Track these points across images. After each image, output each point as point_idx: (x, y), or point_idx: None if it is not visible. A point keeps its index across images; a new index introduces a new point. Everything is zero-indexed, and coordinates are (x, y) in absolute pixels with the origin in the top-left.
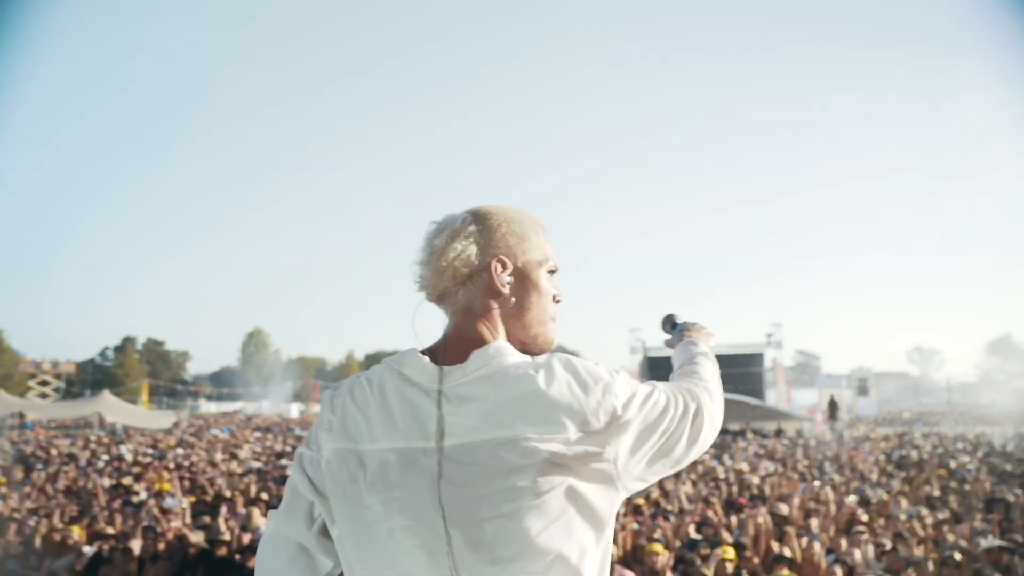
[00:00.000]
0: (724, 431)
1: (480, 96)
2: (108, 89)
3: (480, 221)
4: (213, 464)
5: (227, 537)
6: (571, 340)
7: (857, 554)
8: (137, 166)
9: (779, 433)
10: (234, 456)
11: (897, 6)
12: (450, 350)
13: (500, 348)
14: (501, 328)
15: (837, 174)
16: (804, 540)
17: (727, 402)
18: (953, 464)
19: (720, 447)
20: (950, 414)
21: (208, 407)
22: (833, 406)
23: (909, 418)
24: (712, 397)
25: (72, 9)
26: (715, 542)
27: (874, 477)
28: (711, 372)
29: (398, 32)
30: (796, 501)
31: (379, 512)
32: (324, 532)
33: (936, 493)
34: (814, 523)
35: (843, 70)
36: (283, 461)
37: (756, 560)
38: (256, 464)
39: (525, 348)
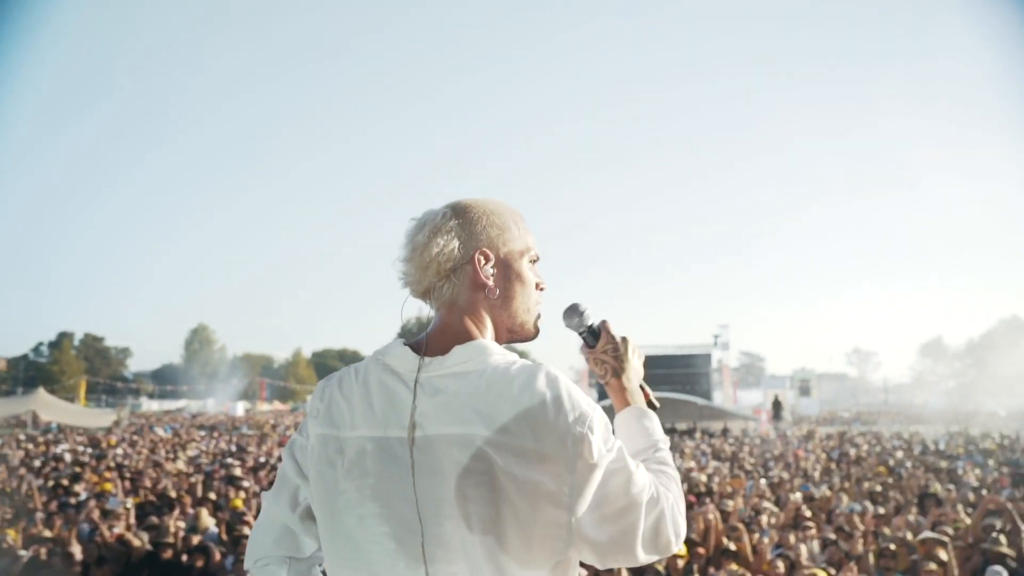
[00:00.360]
0: (672, 430)
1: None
2: (48, 84)
3: (460, 215)
4: (157, 464)
5: (171, 540)
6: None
7: (803, 549)
8: (76, 158)
9: (725, 432)
10: (177, 455)
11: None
12: (434, 343)
13: (484, 346)
14: (488, 320)
15: (778, 183)
16: (755, 536)
17: (677, 402)
18: (892, 462)
19: (672, 447)
20: (886, 414)
21: (150, 405)
22: (777, 406)
23: (848, 418)
24: (680, 506)
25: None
26: None
27: (817, 475)
28: (675, 472)
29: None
30: (741, 499)
31: (352, 498)
32: (309, 515)
33: (876, 489)
34: (764, 519)
35: (776, 73)
36: (230, 460)
37: (705, 555)
38: (203, 463)
39: (513, 337)
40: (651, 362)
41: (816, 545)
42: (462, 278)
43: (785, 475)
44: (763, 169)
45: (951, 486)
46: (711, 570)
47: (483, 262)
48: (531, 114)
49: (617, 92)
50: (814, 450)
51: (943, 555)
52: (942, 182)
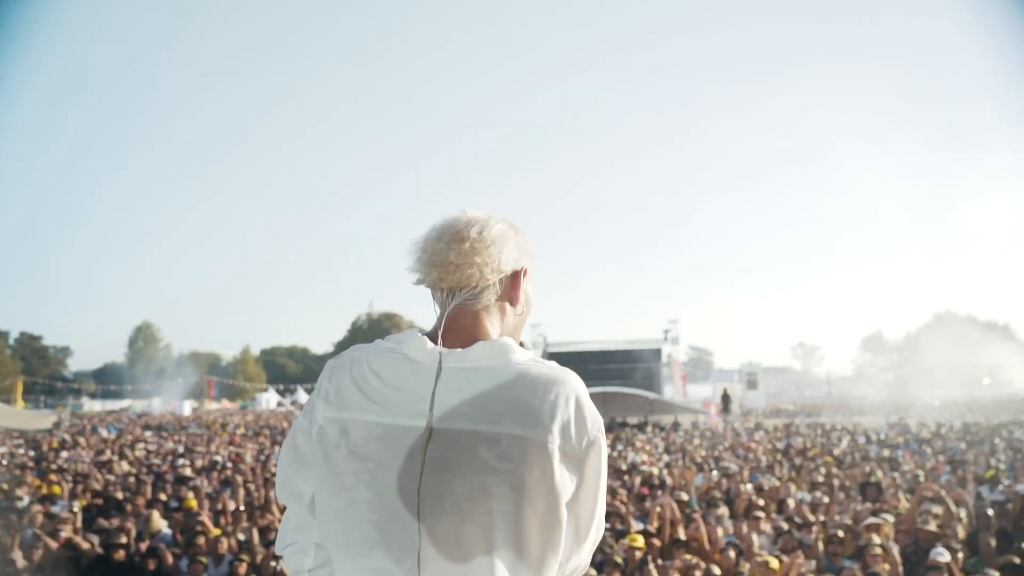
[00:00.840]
0: (624, 424)
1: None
2: None
3: (518, 230)
4: (102, 465)
5: (124, 540)
6: None
7: (755, 538)
8: (16, 151)
9: (676, 425)
10: (124, 456)
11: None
12: (451, 337)
13: (508, 344)
14: (501, 328)
15: (726, 182)
16: (708, 526)
17: (628, 396)
18: (837, 451)
19: (624, 440)
20: (829, 405)
21: (92, 405)
22: (726, 399)
23: (794, 410)
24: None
25: None
26: (622, 531)
27: (766, 465)
28: None
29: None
30: (694, 490)
31: (348, 481)
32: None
33: (821, 479)
34: (720, 510)
35: (720, 72)
36: (180, 461)
37: (660, 545)
38: (153, 464)
39: None
40: (603, 357)
41: (768, 529)
42: (503, 285)
43: (735, 466)
44: (710, 173)
45: (893, 474)
46: (658, 561)
47: (523, 278)
48: (471, 102)
49: (550, 73)
50: (763, 442)
51: (884, 538)
52: (881, 182)
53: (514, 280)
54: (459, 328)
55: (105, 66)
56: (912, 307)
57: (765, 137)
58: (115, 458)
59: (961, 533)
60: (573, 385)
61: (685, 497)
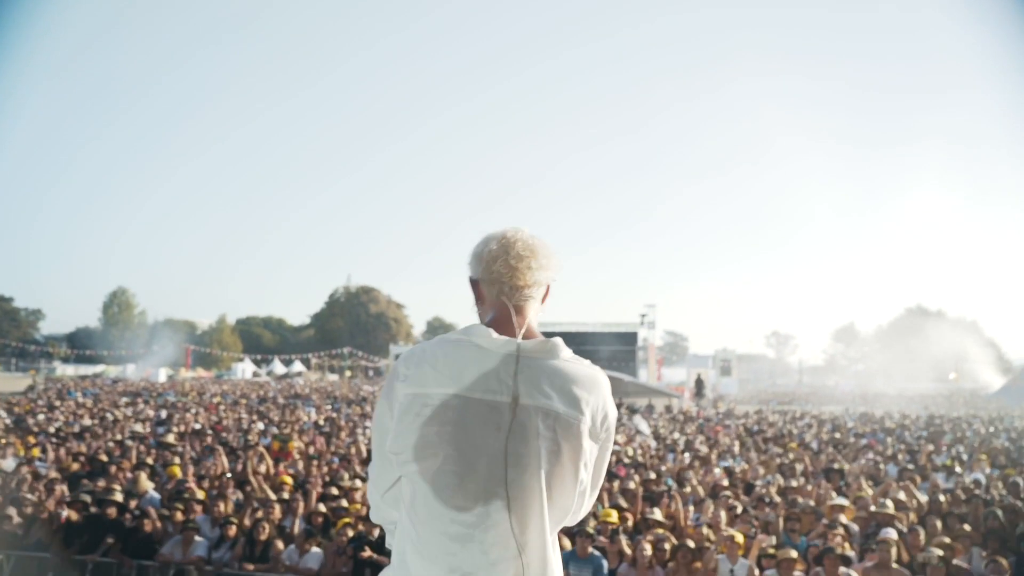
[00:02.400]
0: None
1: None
2: None
3: (554, 250)
4: (85, 430)
5: (119, 498)
6: (453, 317)
7: (723, 515)
8: None
9: (650, 408)
10: (104, 420)
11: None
12: (507, 331)
13: (559, 343)
14: (536, 322)
15: (703, 170)
16: (679, 505)
17: None
18: (807, 438)
19: None
20: (800, 394)
21: (64, 369)
22: (700, 384)
23: (765, 397)
24: None
25: None
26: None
27: (736, 449)
28: None
29: None
30: (666, 470)
31: (432, 440)
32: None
33: (787, 462)
34: (687, 489)
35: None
36: (161, 429)
37: (633, 519)
38: (136, 430)
39: None
40: (579, 339)
41: (738, 508)
42: (543, 293)
43: (706, 449)
44: (690, 160)
45: (857, 461)
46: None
47: (550, 288)
48: (449, 79)
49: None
50: (733, 427)
51: (844, 519)
52: (856, 176)
53: (547, 289)
54: (519, 324)
55: (83, 34)
56: (885, 301)
57: (743, 126)
58: (95, 423)
59: (913, 517)
60: (605, 384)
61: (658, 477)
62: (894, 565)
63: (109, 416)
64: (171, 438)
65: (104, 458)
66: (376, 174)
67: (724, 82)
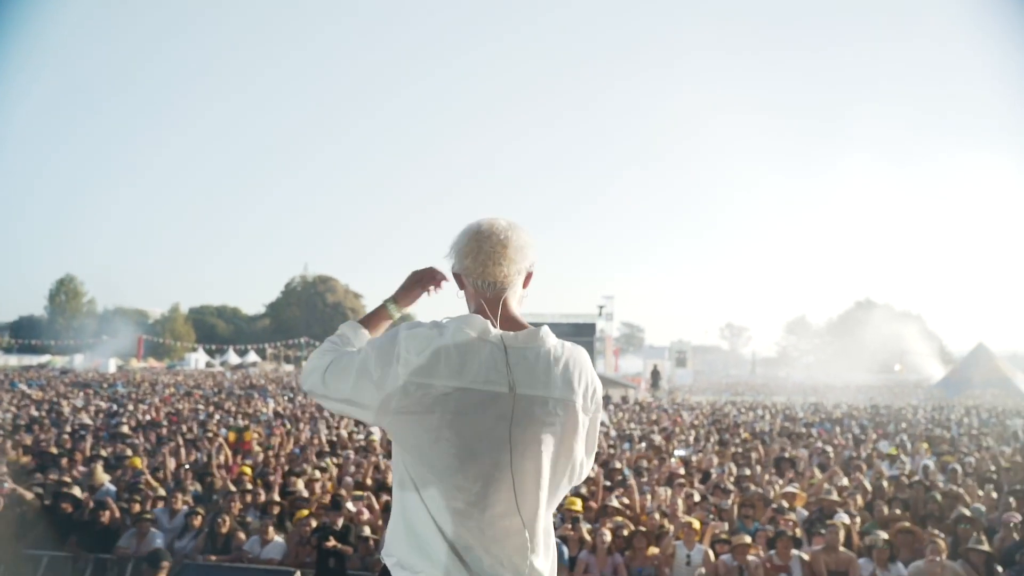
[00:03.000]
0: None
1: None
2: None
3: (532, 235)
4: (34, 421)
5: (77, 492)
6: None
7: (680, 502)
8: None
9: (607, 399)
10: (54, 411)
11: None
12: (500, 322)
13: (546, 331)
14: (519, 310)
15: (660, 163)
16: (636, 494)
17: None
18: (759, 428)
19: None
20: (753, 385)
21: (7, 360)
22: (656, 375)
23: (719, 388)
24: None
25: None
26: None
27: (692, 439)
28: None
29: None
30: (625, 459)
31: (433, 424)
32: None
33: (740, 451)
34: (644, 478)
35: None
36: (114, 420)
37: (596, 507)
38: (87, 422)
39: None
40: None
41: (695, 496)
42: (523, 280)
43: (660, 439)
44: (643, 155)
45: (805, 450)
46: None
47: (531, 274)
48: (402, 66)
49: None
50: (688, 417)
51: (795, 505)
52: (814, 172)
53: (528, 275)
54: (505, 314)
55: (43, 21)
56: (836, 294)
57: (716, 122)
58: (43, 415)
59: (860, 502)
60: (588, 360)
61: (618, 465)
62: (841, 548)
63: (58, 408)
64: (125, 429)
65: (55, 451)
66: (332, 163)
67: (672, 60)
